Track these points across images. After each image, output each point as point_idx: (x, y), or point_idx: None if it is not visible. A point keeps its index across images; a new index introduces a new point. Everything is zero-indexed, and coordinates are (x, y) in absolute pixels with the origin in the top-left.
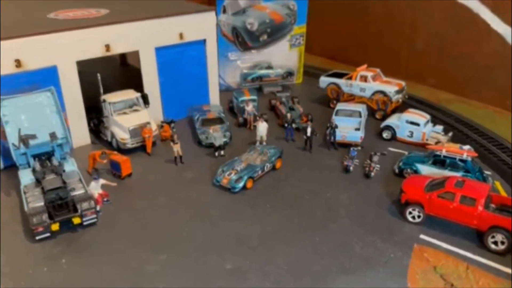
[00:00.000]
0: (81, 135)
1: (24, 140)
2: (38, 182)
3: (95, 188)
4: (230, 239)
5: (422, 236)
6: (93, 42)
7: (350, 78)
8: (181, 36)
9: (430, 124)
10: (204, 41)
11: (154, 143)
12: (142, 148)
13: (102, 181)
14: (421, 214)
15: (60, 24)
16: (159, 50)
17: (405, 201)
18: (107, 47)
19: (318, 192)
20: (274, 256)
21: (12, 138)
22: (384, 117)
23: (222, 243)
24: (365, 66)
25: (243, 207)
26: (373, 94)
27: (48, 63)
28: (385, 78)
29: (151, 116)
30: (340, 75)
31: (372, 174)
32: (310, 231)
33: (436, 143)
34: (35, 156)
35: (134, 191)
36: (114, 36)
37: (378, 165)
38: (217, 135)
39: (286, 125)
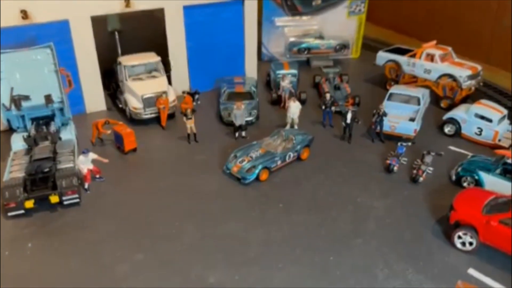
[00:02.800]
0: (95, 99)
1: (16, 101)
2: (30, 149)
3: (84, 163)
4: (224, 245)
5: (470, 271)
6: None
7: (414, 56)
8: None
9: (506, 122)
10: (242, 1)
11: (171, 116)
12: (157, 119)
13: (92, 155)
14: (474, 241)
15: None
16: (188, 9)
17: (455, 221)
18: (127, 2)
19: (347, 194)
20: (270, 274)
21: (3, 98)
22: (451, 107)
23: (213, 249)
24: (433, 42)
25: (250, 204)
26: (440, 77)
27: (59, 16)
28: (457, 60)
29: (177, 84)
30: (402, 51)
31: (421, 179)
32: (325, 246)
33: (511, 146)
34: (33, 120)
35: (134, 170)
36: None
37: (430, 168)
38: (238, 113)
39: (323, 107)
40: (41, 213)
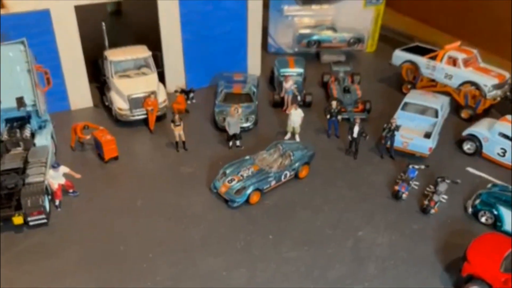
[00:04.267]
0: (80, 95)
1: None
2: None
3: (55, 177)
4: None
5: None
6: None
7: (434, 58)
8: None
9: None
10: None
11: (162, 117)
12: (146, 121)
13: (64, 169)
14: None
15: None
16: None
17: (468, 274)
18: None
19: (347, 226)
20: None
21: None
22: (472, 118)
23: None
24: (457, 43)
25: (236, 232)
26: (462, 84)
27: (39, 5)
28: (483, 65)
29: (172, 81)
30: (422, 51)
31: (433, 211)
32: None
33: None
34: (7, 120)
35: (112, 182)
36: None
37: (444, 196)
38: (232, 121)
39: (328, 116)
40: (4, 234)
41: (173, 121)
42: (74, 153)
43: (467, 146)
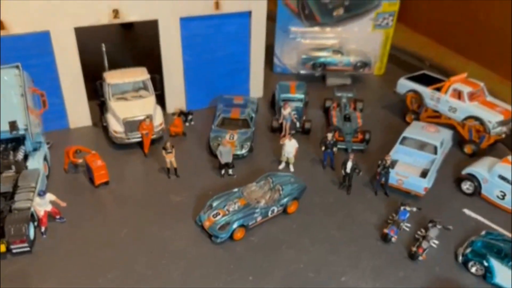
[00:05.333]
0: (79, 114)
1: None
2: None
3: (41, 205)
4: None
5: None
6: (96, 6)
7: (440, 89)
8: (217, 5)
9: None
10: (249, 13)
11: (156, 140)
12: (141, 143)
13: (50, 196)
14: None
15: None
16: (186, 21)
17: None
18: (115, 13)
19: (331, 269)
20: None
21: None
22: (475, 154)
23: None
24: (464, 75)
25: (216, 272)
26: (466, 118)
27: (39, 27)
28: (489, 98)
29: (172, 103)
30: (428, 80)
31: (421, 258)
32: None
33: None
34: (1, 141)
35: (100, 209)
36: None
37: (435, 241)
38: (224, 150)
39: (323, 148)
40: None
41: (164, 148)
42: (66, 176)
43: (466, 186)
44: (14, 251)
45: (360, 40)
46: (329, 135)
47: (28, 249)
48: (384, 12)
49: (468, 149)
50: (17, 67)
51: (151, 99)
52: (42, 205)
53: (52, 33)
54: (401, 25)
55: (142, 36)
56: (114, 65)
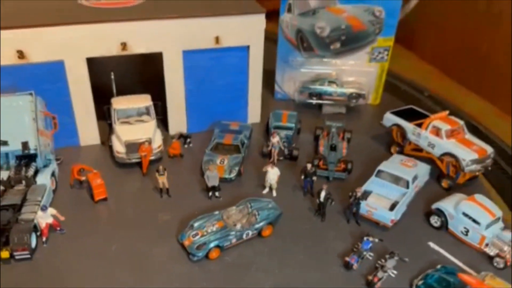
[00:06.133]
0: (89, 134)
1: None
2: (5, 190)
3: (43, 217)
4: None
5: None
6: (106, 39)
7: (421, 125)
8: (217, 40)
9: (499, 226)
10: (247, 47)
11: (155, 161)
12: (141, 164)
13: (51, 210)
14: None
15: (86, 13)
16: (188, 54)
17: None
18: (123, 46)
19: None
20: None
21: None
22: (451, 188)
23: None
24: (445, 113)
25: None
26: (443, 155)
27: (55, 57)
28: (468, 136)
29: (174, 126)
30: (414, 114)
31: (376, 287)
32: None
33: (496, 256)
34: (17, 157)
35: (96, 223)
36: (131, 33)
37: (394, 271)
38: (210, 175)
39: (302, 177)
40: None
41: (157, 171)
42: (71, 191)
43: (434, 220)
44: (16, 257)
45: (356, 73)
46: (308, 165)
47: (28, 256)
48: (379, 47)
49: (445, 183)
50: (30, 94)
51: (152, 123)
52: (44, 218)
53: (66, 63)
54: (409, 52)
55: (150, 64)
56: (122, 89)
